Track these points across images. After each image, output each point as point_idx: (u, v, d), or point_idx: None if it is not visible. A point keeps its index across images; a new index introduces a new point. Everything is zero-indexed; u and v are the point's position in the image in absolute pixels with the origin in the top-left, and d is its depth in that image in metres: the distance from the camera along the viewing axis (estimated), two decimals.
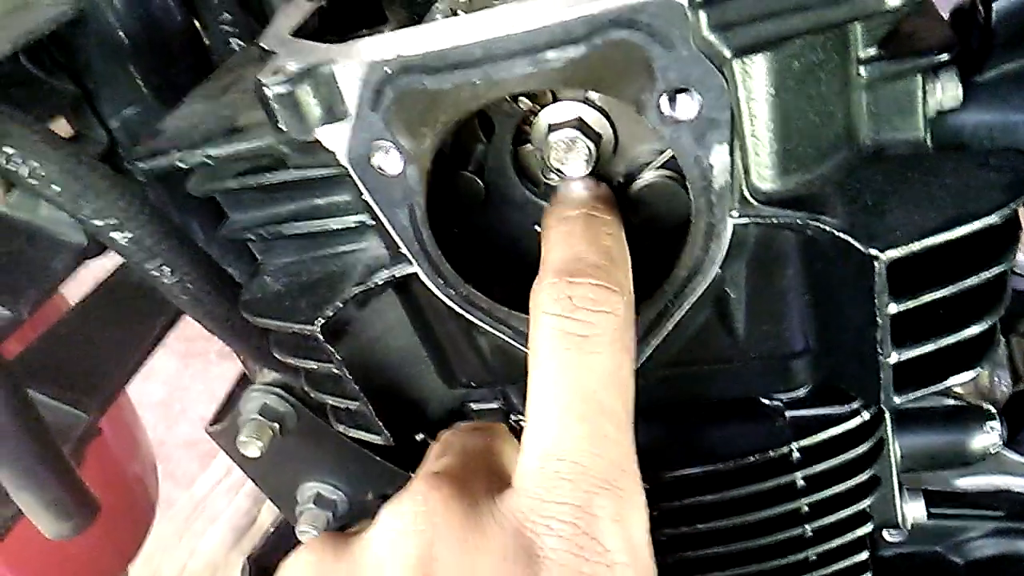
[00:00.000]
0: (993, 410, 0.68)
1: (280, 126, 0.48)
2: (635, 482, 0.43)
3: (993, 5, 0.53)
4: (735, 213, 0.48)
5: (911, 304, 0.48)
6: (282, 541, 0.99)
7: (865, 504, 0.65)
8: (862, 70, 0.48)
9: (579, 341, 0.44)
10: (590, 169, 0.52)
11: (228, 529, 2.22)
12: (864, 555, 0.68)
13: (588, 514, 0.41)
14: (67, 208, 0.53)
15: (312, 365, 0.60)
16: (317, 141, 0.49)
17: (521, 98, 0.52)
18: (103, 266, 0.80)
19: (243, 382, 0.86)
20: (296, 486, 0.89)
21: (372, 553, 0.43)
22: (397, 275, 0.54)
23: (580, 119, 0.51)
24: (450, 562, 0.40)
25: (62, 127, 0.73)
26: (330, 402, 0.63)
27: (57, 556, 1.25)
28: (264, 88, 0.46)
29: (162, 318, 0.78)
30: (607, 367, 0.44)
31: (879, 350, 0.49)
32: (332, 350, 0.56)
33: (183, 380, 2.75)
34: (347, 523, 0.88)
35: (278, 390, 0.80)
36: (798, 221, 0.47)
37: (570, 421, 0.42)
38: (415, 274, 0.54)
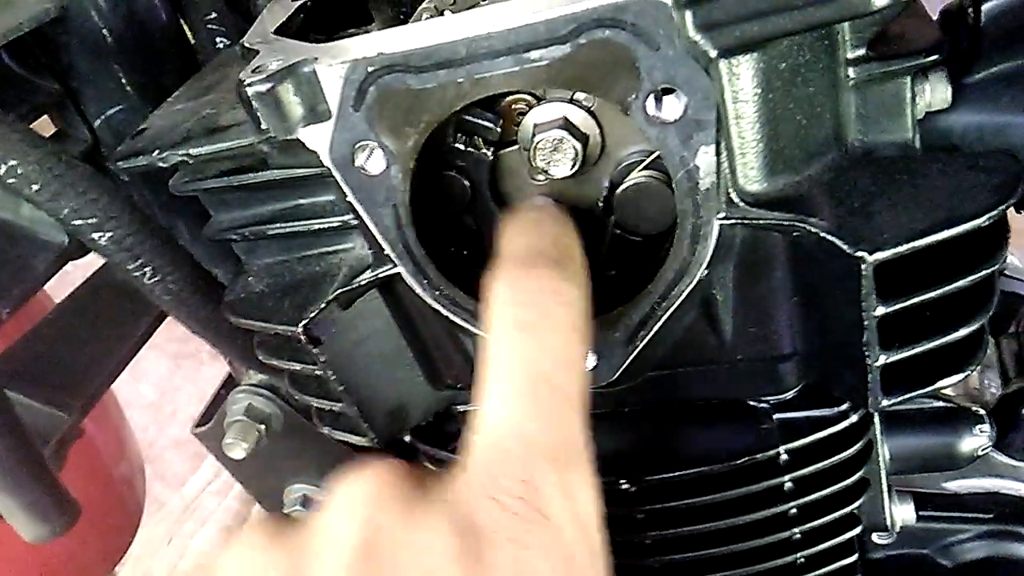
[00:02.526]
0: (982, 412, 0.68)
1: (262, 126, 0.47)
2: (585, 460, 0.43)
3: (982, 6, 0.53)
4: (721, 214, 0.47)
5: (898, 306, 0.47)
6: None
7: (854, 507, 0.64)
8: (850, 71, 0.48)
9: (531, 326, 0.44)
10: (576, 170, 0.51)
11: (218, 531, 2.21)
12: (853, 558, 0.68)
13: (535, 489, 0.40)
14: (46, 207, 0.52)
15: (296, 366, 0.59)
16: (299, 141, 0.48)
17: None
18: (92, 265, 0.80)
19: (229, 383, 0.86)
20: (282, 488, 0.88)
21: (314, 532, 0.42)
22: (381, 276, 0.54)
23: (566, 119, 0.51)
24: (394, 537, 0.40)
25: (46, 126, 0.72)
26: (314, 404, 0.63)
27: (42, 557, 1.24)
28: (245, 87, 0.46)
29: (147, 318, 0.78)
30: (558, 350, 0.44)
31: (866, 353, 0.49)
32: (315, 351, 0.55)
33: (174, 381, 2.74)
34: None
35: (264, 391, 0.80)
36: (785, 223, 0.47)
37: (519, 399, 0.42)
38: (399, 275, 0.53)
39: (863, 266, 0.45)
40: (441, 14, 0.53)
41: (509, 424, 0.42)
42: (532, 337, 0.44)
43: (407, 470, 0.43)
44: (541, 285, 0.45)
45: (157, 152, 0.53)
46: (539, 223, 0.50)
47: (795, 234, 0.48)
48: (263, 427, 0.80)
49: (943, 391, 0.68)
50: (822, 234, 0.46)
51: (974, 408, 0.68)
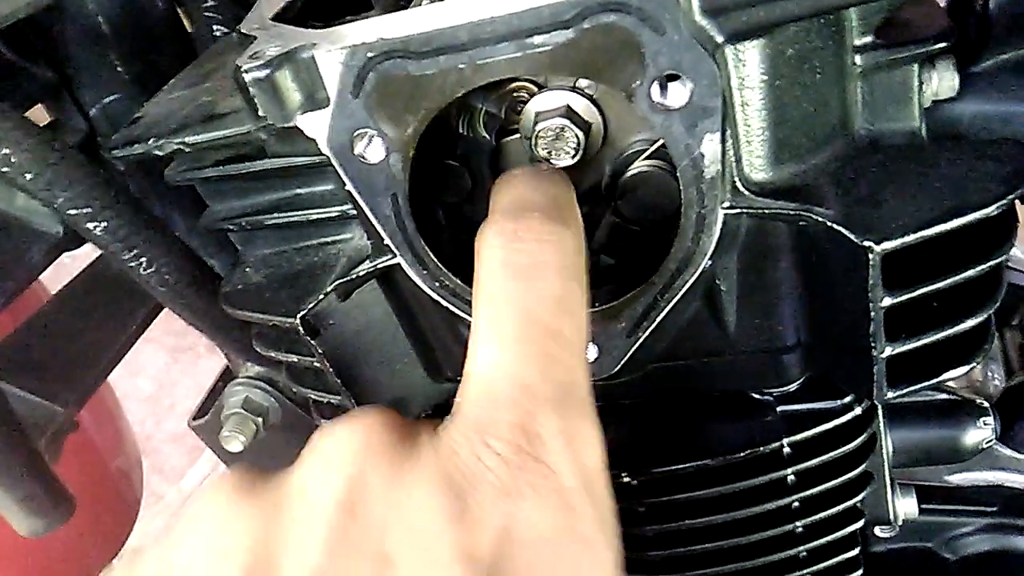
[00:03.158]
0: (986, 405, 0.67)
1: (259, 113, 0.46)
2: (587, 406, 0.40)
3: None
4: (726, 204, 0.47)
5: (905, 297, 0.47)
6: None
7: (857, 500, 0.64)
8: (857, 58, 0.47)
9: (524, 269, 0.41)
10: (578, 159, 0.50)
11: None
12: (855, 551, 0.68)
13: (531, 432, 0.37)
14: (40, 197, 0.52)
15: (293, 358, 0.58)
16: (297, 128, 0.47)
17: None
18: (89, 256, 0.79)
19: (227, 376, 0.85)
20: None
21: (291, 487, 0.39)
22: (380, 267, 0.53)
23: (568, 107, 0.50)
24: (378, 489, 0.37)
25: (41, 115, 0.71)
26: (312, 396, 0.62)
27: (40, 550, 1.24)
28: (242, 73, 0.45)
29: (143, 310, 0.77)
30: (554, 292, 0.41)
31: (872, 344, 0.48)
32: (313, 343, 0.54)
33: (172, 375, 2.74)
34: None
35: (261, 384, 0.79)
36: (791, 212, 0.46)
37: (514, 343, 0.40)
38: (399, 266, 0.52)
39: (870, 256, 0.44)
40: None
41: (501, 369, 0.39)
42: (522, 279, 0.41)
43: (394, 420, 0.40)
44: (530, 227, 0.43)
45: (153, 140, 0.52)
46: (528, 177, 0.47)
47: (801, 223, 0.47)
48: (260, 420, 0.79)
49: (947, 383, 0.68)
50: (829, 223, 0.45)
51: (978, 401, 0.68)
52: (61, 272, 0.81)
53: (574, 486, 0.37)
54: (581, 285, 0.43)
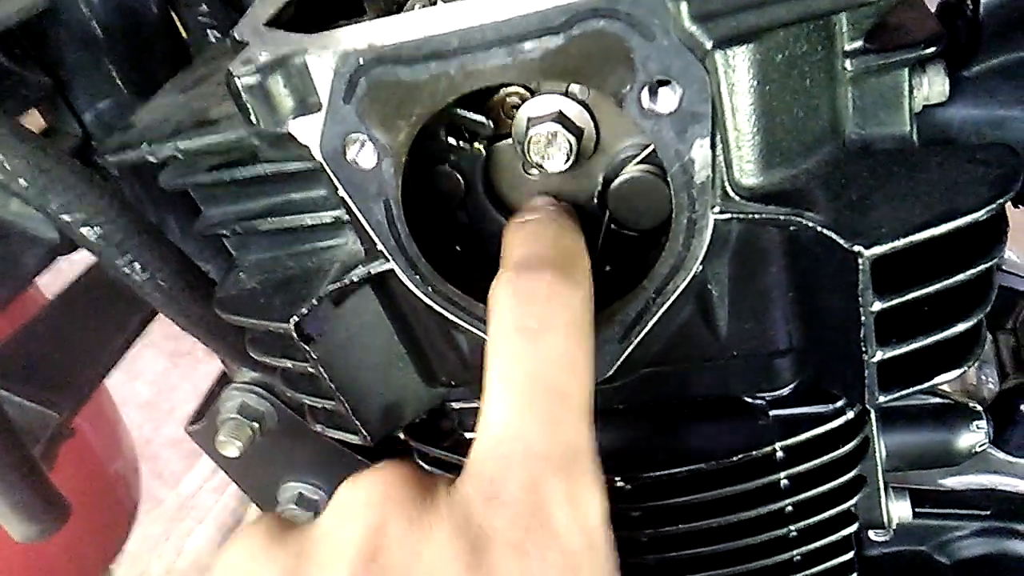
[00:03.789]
0: (980, 408, 0.67)
1: (251, 118, 0.46)
2: (592, 467, 0.42)
3: None
4: (717, 208, 0.47)
5: (896, 301, 0.47)
6: None
7: (850, 504, 0.64)
8: (847, 63, 0.47)
9: (534, 331, 0.43)
10: (571, 164, 0.51)
11: (215, 528, 2.21)
12: (849, 555, 0.67)
13: (538, 496, 0.39)
14: (34, 202, 0.52)
15: (288, 364, 0.58)
16: (290, 134, 0.48)
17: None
18: (85, 261, 0.79)
19: (223, 380, 0.85)
20: (277, 486, 0.88)
21: (317, 535, 0.42)
22: (373, 272, 0.53)
23: (561, 112, 0.50)
24: (399, 539, 0.39)
25: (35, 120, 0.71)
26: (307, 401, 0.62)
27: (38, 555, 1.24)
28: (234, 79, 0.45)
29: (139, 315, 0.77)
30: (562, 354, 0.43)
31: (863, 348, 0.49)
32: (307, 348, 0.54)
33: (170, 379, 2.74)
34: None
35: (257, 389, 0.79)
36: (781, 217, 0.47)
37: (522, 404, 0.42)
38: (392, 271, 0.53)
39: (860, 260, 0.45)
40: (433, 3, 0.52)
41: (510, 430, 0.41)
42: (532, 340, 0.43)
43: (412, 473, 0.43)
44: (541, 287, 0.44)
45: (146, 146, 0.53)
46: (541, 228, 0.49)
47: (792, 228, 0.47)
48: (256, 425, 0.79)
49: (940, 387, 0.68)
50: (819, 228, 0.45)
51: (971, 404, 0.68)
52: (57, 277, 0.81)
53: (578, 547, 0.40)
54: (589, 343, 0.45)
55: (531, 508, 0.39)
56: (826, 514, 0.63)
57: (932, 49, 0.47)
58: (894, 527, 0.70)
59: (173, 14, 0.75)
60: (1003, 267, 0.79)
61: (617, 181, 0.53)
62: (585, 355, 0.44)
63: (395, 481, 0.42)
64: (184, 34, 0.75)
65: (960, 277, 0.47)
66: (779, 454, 0.60)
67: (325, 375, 0.56)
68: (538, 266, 0.46)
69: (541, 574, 0.38)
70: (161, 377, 2.73)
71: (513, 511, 0.39)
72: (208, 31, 0.73)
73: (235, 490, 2.21)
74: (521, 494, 0.39)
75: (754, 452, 0.59)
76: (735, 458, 0.59)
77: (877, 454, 0.65)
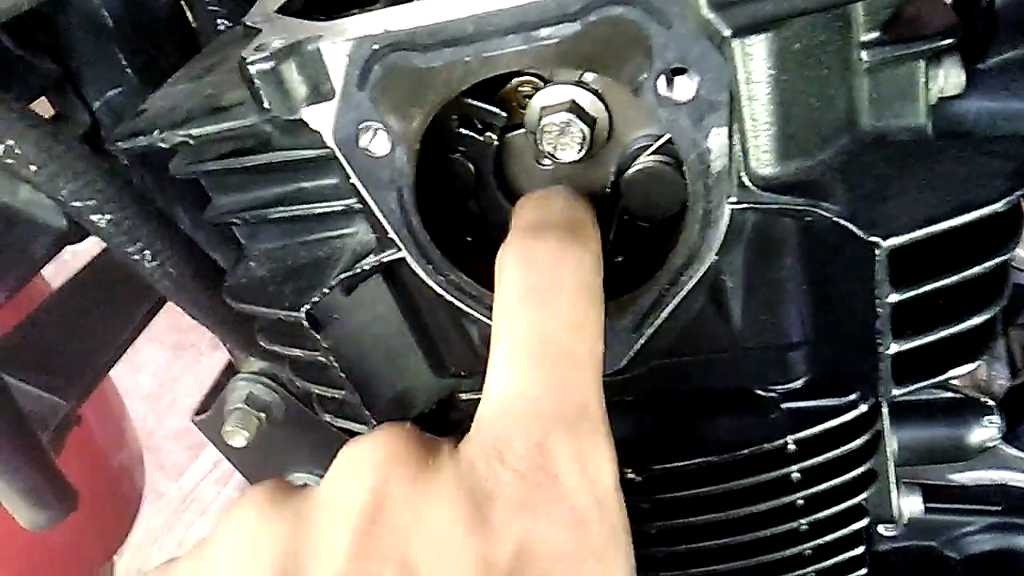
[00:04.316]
0: (991, 404, 0.67)
1: (264, 105, 0.46)
2: (601, 425, 0.41)
3: None
4: (733, 199, 0.47)
5: (912, 293, 0.47)
6: None
7: (861, 498, 0.64)
8: (864, 54, 0.47)
9: (542, 291, 0.43)
10: (584, 154, 0.50)
11: (217, 520, 2.21)
12: (860, 550, 0.67)
13: (544, 454, 0.39)
14: (44, 189, 0.52)
15: (297, 353, 0.58)
16: (302, 121, 0.47)
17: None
18: (91, 252, 0.79)
19: (229, 371, 0.85)
20: (283, 476, 0.87)
21: (318, 498, 0.41)
22: (385, 261, 0.53)
23: (574, 102, 0.50)
24: (401, 499, 0.39)
25: (45, 108, 0.71)
26: (316, 391, 0.62)
27: (41, 545, 1.24)
28: (247, 65, 0.45)
29: (146, 304, 0.77)
30: (571, 314, 0.43)
31: (878, 341, 0.48)
32: (318, 337, 0.54)
33: (173, 371, 2.74)
34: None
35: (264, 379, 0.79)
36: (797, 207, 0.46)
37: (530, 362, 0.41)
38: (403, 260, 0.52)
39: (877, 251, 0.44)
40: None
41: (517, 389, 0.41)
42: (539, 301, 0.43)
43: (414, 435, 0.42)
44: (548, 248, 0.44)
45: (157, 132, 0.52)
46: (549, 195, 0.49)
47: (808, 219, 0.47)
48: (263, 415, 0.79)
49: (952, 382, 0.68)
50: (835, 219, 0.45)
51: (983, 399, 0.68)
52: (63, 268, 0.81)
53: (587, 505, 0.39)
54: (598, 305, 0.44)
55: (537, 466, 0.38)
56: (837, 508, 0.63)
57: (948, 41, 0.46)
58: (904, 522, 0.69)
59: (183, 2, 0.74)
60: (1015, 264, 0.78)
61: (630, 171, 0.52)
62: (593, 316, 0.44)
63: (397, 442, 0.41)
64: (193, 22, 0.75)
65: (976, 269, 0.47)
66: (791, 447, 0.59)
67: (335, 364, 0.56)
68: (545, 229, 0.45)
69: (548, 532, 0.37)
70: (164, 369, 2.73)
71: (519, 469, 0.38)
72: (217, 20, 0.73)
73: (238, 482, 2.22)
74: (527, 452, 0.39)
75: (766, 445, 0.59)
76: (747, 451, 0.59)
77: (888, 448, 0.65)
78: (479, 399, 0.64)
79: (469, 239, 0.56)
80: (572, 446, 0.39)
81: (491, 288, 0.52)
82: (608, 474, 0.40)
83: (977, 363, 0.52)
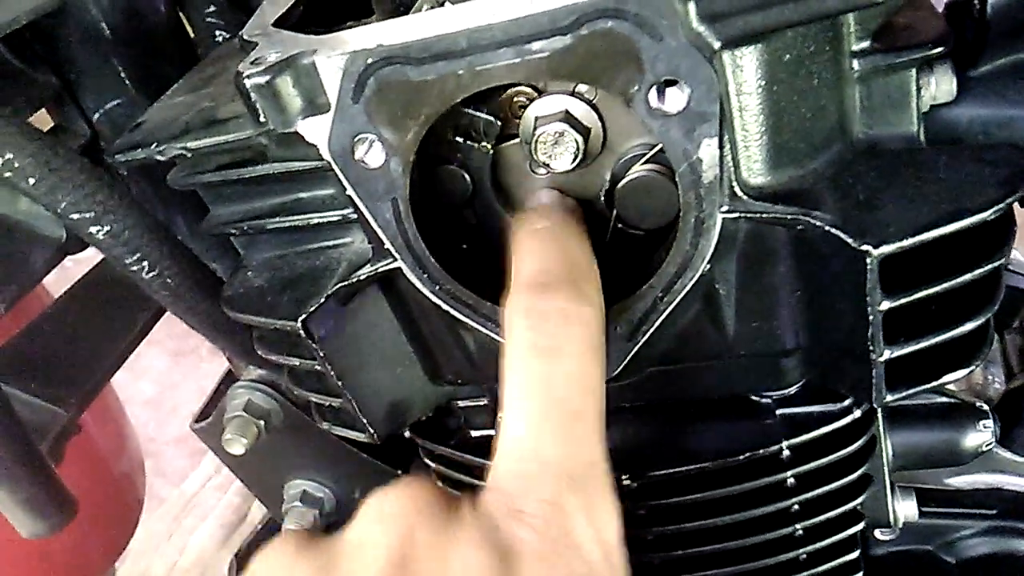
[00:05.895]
0: (986, 408, 0.67)
1: (260, 118, 0.47)
2: (607, 483, 0.44)
3: None
4: (724, 208, 0.47)
5: (904, 301, 0.47)
6: (271, 538, 0.98)
7: (856, 503, 0.64)
8: (855, 63, 0.47)
9: (549, 352, 0.45)
10: (577, 164, 0.51)
11: (218, 526, 2.21)
12: (855, 554, 0.68)
13: (560, 510, 0.41)
14: (43, 201, 0.52)
15: (295, 362, 0.59)
16: (298, 134, 0.48)
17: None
18: (91, 260, 0.79)
19: (229, 379, 0.85)
20: (282, 483, 0.88)
21: (350, 539, 0.43)
22: (381, 270, 0.53)
23: (568, 112, 0.50)
24: (427, 547, 0.40)
25: (44, 120, 0.71)
26: (314, 399, 0.63)
27: (42, 552, 1.24)
28: (244, 79, 0.45)
29: (145, 314, 0.77)
30: (576, 374, 0.45)
31: (871, 347, 0.49)
32: (314, 346, 0.55)
33: (174, 378, 2.74)
34: (334, 521, 0.87)
35: (263, 387, 0.79)
36: (789, 216, 0.47)
37: (541, 423, 0.43)
38: (399, 269, 0.53)
39: (868, 260, 0.45)
40: (441, 5, 0.52)
41: (529, 448, 0.43)
42: (549, 362, 0.44)
43: (436, 488, 0.44)
44: (556, 308, 0.46)
45: (155, 145, 0.53)
46: (550, 240, 0.50)
47: (799, 228, 0.47)
48: (262, 423, 0.79)
49: (947, 386, 0.68)
50: (827, 227, 0.46)
51: (978, 404, 0.68)
52: (63, 276, 0.81)
53: (597, 558, 0.41)
54: (600, 360, 0.46)
55: (554, 522, 0.41)
56: (832, 513, 0.63)
57: (939, 49, 0.47)
58: (900, 526, 0.70)
59: (181, 15, 0.75)
60: (1009, 267, 0.78)
61: (624, 180, 0.53)
62: (598, 374, 0.46)
63: (422, 494, 0.43)
64: (192, 34, 0.75)
65: (968, 276, 0.47)
66: (786, 453, 0.60)
67: (332, 373, 0.57)
68: (551, 285, 0.46)
69: None
70: (164, 376, 2.73)
71: (537, 524, 0.40)
72: (216, 32, 0.73)
73: (238, 488, 2.22)
74: (543, 509, 0.41)
75: (761, 451, 0.59)
76: (741, 457, 0.59)
77: (884, 453, 0.65)
78: (475, 406, 0.65)
79: (464, 248, 0.57)
80: (583, 503, 0.42)
81: (486, 296, 0.53)
82: (613, 528, 0.43)
83: (971, 369, 0.52)
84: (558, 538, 0.40)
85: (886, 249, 0.44)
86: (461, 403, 0.65)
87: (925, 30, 0.48)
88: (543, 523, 0.40)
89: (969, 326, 0.49)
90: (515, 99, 0.52)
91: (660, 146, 0.50)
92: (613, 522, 0.43)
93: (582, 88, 0.50)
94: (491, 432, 0.65)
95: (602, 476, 0.43)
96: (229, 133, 0.51)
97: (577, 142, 0.50)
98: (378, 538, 0.41)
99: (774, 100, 0.44)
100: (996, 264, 0.48)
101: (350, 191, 0.50)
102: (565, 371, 0.44)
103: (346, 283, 0.54)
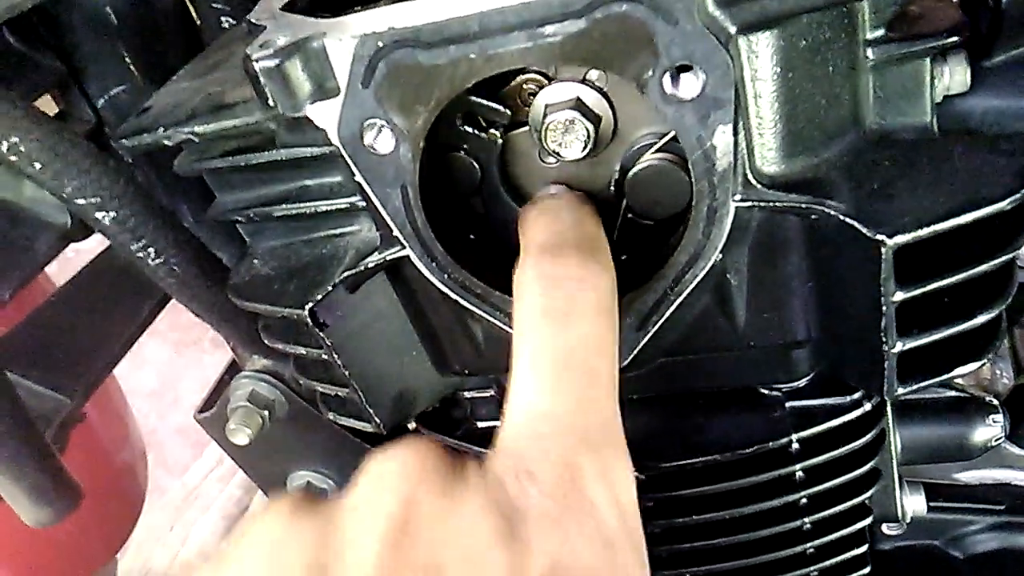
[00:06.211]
0: (995, 403, 0.67)
1: (268, 102, 0.46)
2: (621, 445, 0.42)
3: None
4: (738, 196, 0.47)
5: (917, 292, 0.46)
6: None
7: (865, 497, 0.64)
8: (869, 52, 0.46)
9: (563, 316, 0.44)
10: (587, 152, 0.50)
11: (220, 518, 2.21)
12: (863, 548, 0.67)
13: (572, 472, 0.39)
14: (49, 186, 0.51)
15: (301, 350, 0.58)
16: (307, 118, 0.47)
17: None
18: (94, 249, 0.79)
19: (233, 369, 0.85)
20: (286, 474, 0.87)
21: (350, 502, 0.41)
22: (389, 258, 0.53)
23: (579, 99, 0.50)
24: (430, 511, 0.39)
25: (49, 105, 0.71)
26: (319, 389, 0.62)
27: (44, 543, 1.24)
28: (252, 62, 0.45)
29: (150, 301, 0.77)
30: (590, 335, 0.44)
31: (883, 339, 0.48)
32: (321, 335, 0.54)
33: (176, 368, 2.74)
34: None
35: (267, 377, 0.79)
36: (803, 205, 0.46)
37: (553, 384, 0.42)
38: (407, 257, 0.52)
39: (883, 250, 0.44)
40: None
41: (542, 408, 0.42)
42: (562, 325, 0.43)
43: (441, 449, 0.42)
44: (568, 272, 0.45)
45: (162, 130, 0.52)
46: (560, 209, 0.49)
47: (813, 217, 0.47)
48: (267, 413, 0.79)
49: (956, 380, 0.68)
50: (841, 217, 0.45)
51: (987, 398, 0.68)
52: (66, 265, 0.81)
53: (614, 523, 0.39)
54: (613, 323, 0.45)
55: (566, 483, 0.39)
56: (840, 507, 0.63)
57: (954, 39, 0.46)
58: (908, 521, 0.69)
59: (187, 1, 0.74)
60: (1020, 263, 0.78)
61: (634, 169, 0.52)
62: (612, 336, 0.45)
63: (425, 455, 0.41)
64: (197, 20, 0.75)
65: (982, 268, 0.47)
66: (795, 446, 0.59)
67: (338, 362, 0.56)
68: (563, 249, 0.46)
69: (580, 550, 0.38)
70: (166, 367, 2.73)
71: (548, 486, 0.39)
72: (221, 17, 0.72)
73: (241, 480, 2.22)
74: (555, 470, 0.39)
75: (770, 444, 0.59)
76: (750, 449, 0.59)
77: (892, 447, 0.65)
78: (482, 397, 0.65)
79: (473, 237, 0.56)
80: (598, 464, 0.40)
81: (494, 286, 0.52)
82: (630, 491, 0.41)
83: (982, 361, 0.52)
84: (571, 500, 0.39)
85: (901, 239, 0.44)
86: (467, 394, 0.65)
87: (940, 19, 0.47)
88: (555, 484, 0.39)
89: (982, 318, 0.49)
90: (524, 87, 0.51)
91: (671, 135, 0.50)
92: (630, 484, 0.41)
93: (593, 76, 0.50)
94: (497, 423, 0.65)
95: (617, 438, 0.42)
96: (237, 118, 0.50)
97: (588, 130, 0.50)
98: (379, 500, 0.39)
99: (789, 87, 0.44)
100: (1010, 255, 0.47)
101: (359, 177, 0.49)
102: (579, 333, 0.43)
103: (353, 271, 0.53)
